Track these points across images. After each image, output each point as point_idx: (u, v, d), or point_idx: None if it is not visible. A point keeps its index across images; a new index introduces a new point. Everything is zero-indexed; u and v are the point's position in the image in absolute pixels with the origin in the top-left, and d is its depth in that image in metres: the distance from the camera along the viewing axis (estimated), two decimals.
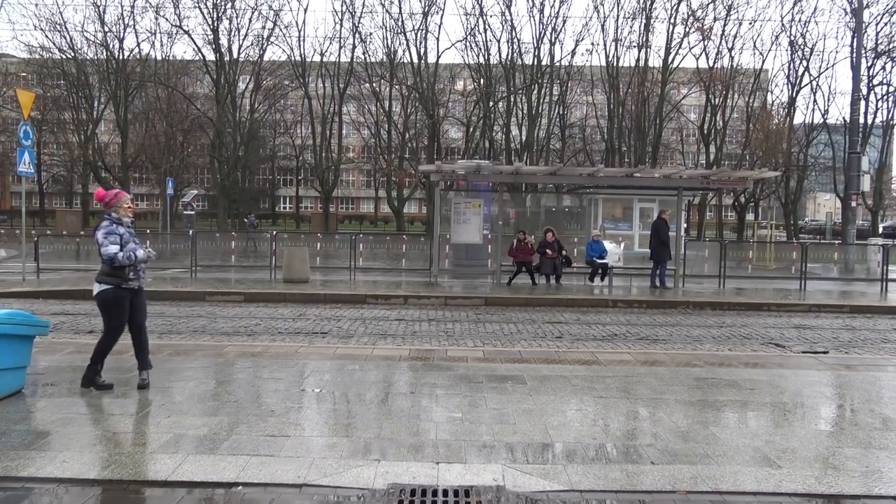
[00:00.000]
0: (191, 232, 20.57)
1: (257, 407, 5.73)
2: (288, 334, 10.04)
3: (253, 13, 46.91)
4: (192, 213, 32.81)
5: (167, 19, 47.10)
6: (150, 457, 4.55)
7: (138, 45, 48.93)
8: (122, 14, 46.77)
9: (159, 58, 48.52)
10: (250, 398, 6.01)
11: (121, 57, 46.24)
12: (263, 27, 48.65)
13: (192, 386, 6.37)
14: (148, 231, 23.61)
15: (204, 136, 49.86)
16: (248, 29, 47.71)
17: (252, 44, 48.08)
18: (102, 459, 4.49)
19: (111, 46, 45.67)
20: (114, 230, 6.10)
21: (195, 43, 47.46)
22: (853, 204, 25.69)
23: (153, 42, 50.00)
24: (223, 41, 46.41)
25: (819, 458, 4.79)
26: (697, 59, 46.77)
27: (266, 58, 48.91)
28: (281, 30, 48.62)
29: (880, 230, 45.03)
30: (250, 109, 49.40)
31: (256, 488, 4.13)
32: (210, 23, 45.56)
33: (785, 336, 10.79)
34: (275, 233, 19.69)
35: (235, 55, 47.43)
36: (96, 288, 6.18)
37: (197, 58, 47.70)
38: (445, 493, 4.11)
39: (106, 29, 45.42)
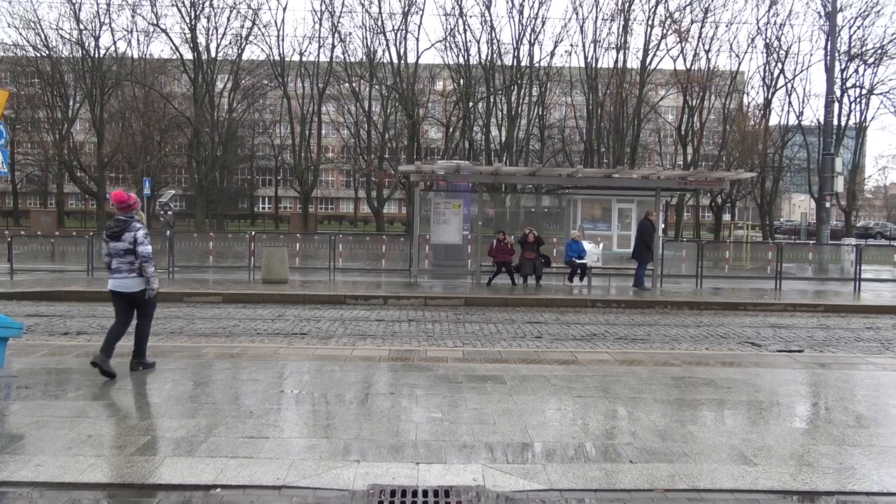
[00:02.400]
0: (168, 232, 20.37)
1: (236, 408, 5.69)
2: (267, 335, 9.98)
3: (231, 12, 46.64)
4: (171, 213, 32.45)
5: (144, 17, 46.72)
6: (127, 459, 4.50)
7: (114, 43, 48.42)
8: (97, 12, 46.17)
9: (136, 56, 47.95)
10: (229, 400, 5.97)
11: (97, 55, 45.59)
12: (242, 26, 48.42)
13: (169, 388, 6.32)
14: None
15: (181, 135, 49.40)
16: (226, 28, 47.40)
17: (230, 43, 47.72)
18: (78, 462, 4.44)
19: (87, 44, 45.05)
20: (146, 231, 6.72)
21: (172, 41, 46.97)
22: (827, 205, 26.05)
23: (129, 40, 49.25)
24: (201, 40, 46.02)
25: (794, 455, 4.86)
26: (675, 60, 47.19)
27: (245, 57, 48.57)
28: (259, 29, 48.38)
29: (854, 230, 45.76)
30: (228, 109, 49.01)
31: (235, 490, 4.11)
32: (188, 21, 45.15)
33: (761, 335, 10.93)
34: (253, 233, 19.55)
35: (213, 54, 47.02)
36: (140, 285, 6.74)
37: (174, 56, 47.25)
38: (425, 493, 4.11)
39: (81, 27, 44.81)
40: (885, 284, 19.38)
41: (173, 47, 46.60)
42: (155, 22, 45.80)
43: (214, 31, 46.75)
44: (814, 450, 4.98)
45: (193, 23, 45.18)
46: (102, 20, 45.97)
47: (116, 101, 48.06)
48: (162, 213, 32.94)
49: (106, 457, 4.56)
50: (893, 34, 40.70)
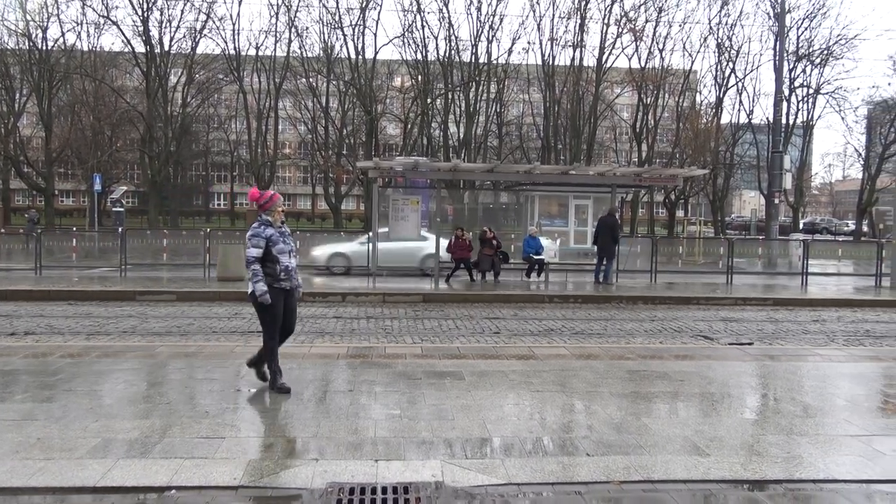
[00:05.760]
0: (120, 229, 19.91)
1: (191, 408, 5.60)
2: (223, 333, 9.84)
3: (185, 4, 45.67)
4: (122, 209, 31.65)
5: (94, 9, 45.33)
6: (78, 463, 4.39)
7: (63, 35, 46.58)
8: (45, 2, 44.73)
9: (85, 49, 46.63)
10: (184, 399, 5.88)
11: (44, 47, 44.21)
12: (196, 19, 47.51)
13: (121, 388, 6.18)
14: (74, 229, 22.69)
15: (133, 130, 48.24)
16: (179, 21, 46.34)
17: (184, 36, 46.76)
18: (26, 467, 4.31)
19: (34, 36, 43.66)
20: (259, 233, 6.02)
21: (124, 34, 45.80)
22: (776, 201, 26.72)
23: (79, 32, 47.85)
24: (154, 33, 45.00)
25: (745, 445, 4.99)
26: (630, 59, 47.81)
27: (199, 51, 47.63)
28: (214, 22, 47.28)
29: (801, 226, 47.11)
30: (182, 103, 48.02)
31: (190, 492, 4.04)
32: (140, 14, 44.13)
33: (713, 328, 11.18)
34: (208, 230, 19.23)
35: (167, 47, 46.04)
36: (249, 287, 6.09)
37: (126, 50, 46.09)
38: (384, 490, 4.11)
39: (28, 18, 43.43)
40: (831, 278, 20.01)
41: (125, 40, 45.47)
42: (105, 14, 44.67)
43: (168, 24, 45.78)
44: (763, 440, 5.12)
45: (146, 15, 44.19)
46: (50, 11, 44.59)
47: (65, 95, 46.66)
48: (114, 209, 32.16)
49: (56, 460, 4.44)
50: (838, 36, 41.82)
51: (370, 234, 17.34)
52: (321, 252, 18.44)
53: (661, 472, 4.44)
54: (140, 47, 45.29)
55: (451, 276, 16.30)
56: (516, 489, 4.17)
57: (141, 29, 44.44)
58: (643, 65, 44.88)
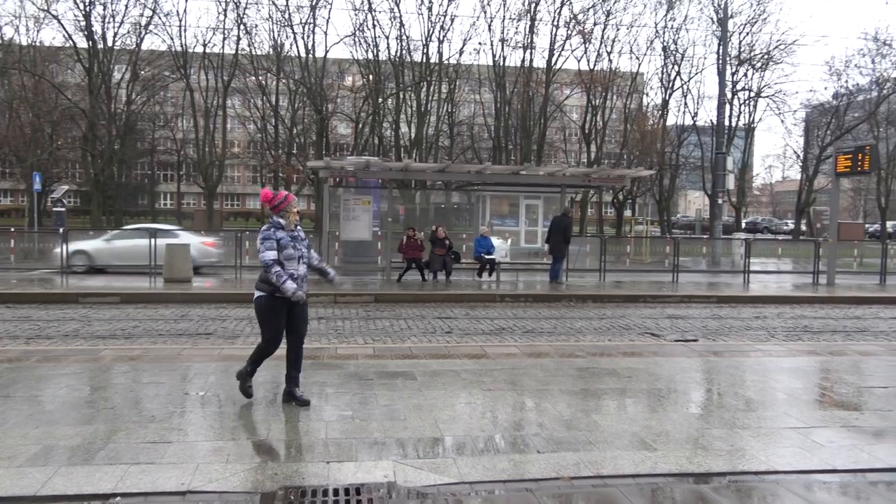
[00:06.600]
0: (61, 230, 19.30)
1: (137, 413, 5.47)
2: (170, 336, 9.63)
3: None
4: (63, 209, 30.65)
5: (33, 2, 43.79)
6: (17, 471, 4.25)
7: (0, 28, 44.94)
8: None
9: (24, 43, 44.99)
10: (129, 404, 5.74)
11: None
12: (141, 14, 46.03)
13: (63, 393, 6.00)
14: (12, 229, 21.91)
15: (75, 127, 46.68)
16: (124, 16, 44.93)
17: (129, 32, 45.35)
18: None
19: None
20: (270, 235, 5.62)
21: (65, 29, 44.38)
22: (720, 201, 27.42)
23: (17, 26, 46.22)
24: (96, 28, 43.54)
25: (690, 439, 5.12)
26: (579, 61, 48.47)
27: (144, 47, 46.31)
28: (160, 18, 46.03)
29: (743, 225, 48.48)
30: (127, 101, 46.67)
31: (136, 498, 3.95)
32: (82, 8, 42.73)
33: (660, 326, 11.43)
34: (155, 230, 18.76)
35: (110, 43, 44.65)
36: (255, 294, 5.76)
37: (67, 45, 44.64)
38: (336, 492, 4.09)
39: None
40: (771, 276, 20.68)
41: (66, 35, 44.01)
42: (46, 8, 43.12)
43: (111, 19, 44.33)
44: (708, 433, 5.27)
45: (88, 10, 42.80)
46: None
47: (3, 91, 44.94)
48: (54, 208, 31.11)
49: None
50: (778, 41, 43.11)
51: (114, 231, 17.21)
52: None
53: (611, 468, 4.53)
54: (82, 42, 43.87)
55: (403, 275, 16.29)
56: (468, 487, 4.20)
57: (83, 24, 43.02)
58: (592, 67, 45.57)
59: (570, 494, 4.20)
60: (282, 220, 5.72)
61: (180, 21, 55.73)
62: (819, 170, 45.81)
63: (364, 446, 4.82)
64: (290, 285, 5.56)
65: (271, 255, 5.58)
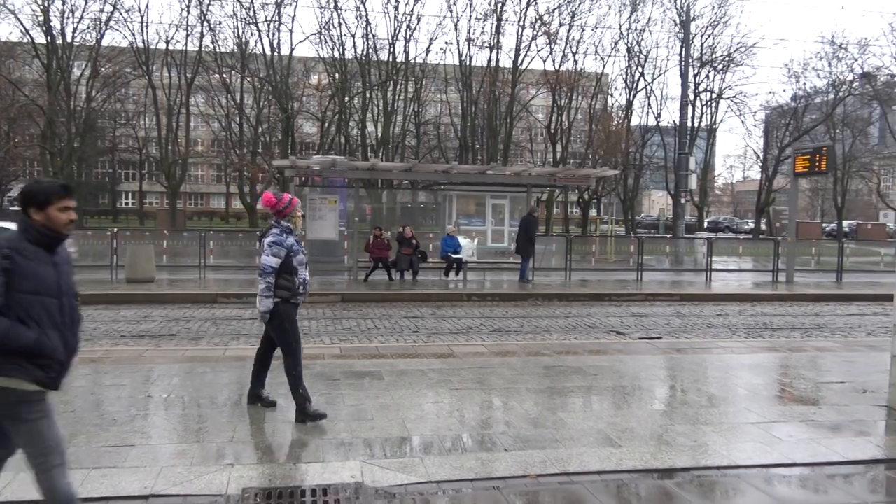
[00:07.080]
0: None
1: (98, 416, 5.37)
2: (132, 337, 9.47)
3: None
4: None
5: None
6: None
7: None
8: None
9: None
10: (90, 407, 5.62)
11: None
12: (102, 10, 45.02)
13: None
14: None
15: (33, 125, 45.48)
16: (84, 11, 43.90)
17: (88, 27, 44.37)
18: None
19: None
20: (282, 241, 5.34)
21: (22, 24, 43.18)
22: (682, 200, 27.81)
23: None
24: (55, 23, 42.52)
25: (654, 435, 5.20)
26: (545, 61, 48.69)
27: (105, 43, 45.33)
28: (121, 13, 45.09)
29: (705, 225, 49.30)
30: (87, 98, 45.65)
31: (97, 503, 3.88)
32: (40, 2, 41.73)
33: (624, 324, 11.57)
34: (116, 230, 18.42)
35: (70, 39, 43.64)
36: (264, 301, 5.35)
37: (25, 40, 43.53)
38: (303, 493, 4.06)
39: None
40: (732, 274, 21.06)
41: (23, 30, 42.92)
42: (2, 2, 42.00)
43: (71, 15, 43.31)
44: (672, 429, 5.35)
45: (46, 4, 41.76)
46: None
47: None
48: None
49: None
50: (739, 44, 43.96)
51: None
52: None
53: (577, 465, 4.57)
54: (40, 38, 42.80)
55: (370, 275, 16.22)
56: (436, 486, 4.20)
57: (41, 19, 42.03)
58: (557, 67, 45.91)
59: (537, 492, 4.23)
60: (291, 225, 5.48)
61: (142, 17, 54.76)
62: (778, 170, 46.79)
63: (331, 447, 4.80)
64: (270, 303, 5.32)
65: (275, 261, 5.31)
